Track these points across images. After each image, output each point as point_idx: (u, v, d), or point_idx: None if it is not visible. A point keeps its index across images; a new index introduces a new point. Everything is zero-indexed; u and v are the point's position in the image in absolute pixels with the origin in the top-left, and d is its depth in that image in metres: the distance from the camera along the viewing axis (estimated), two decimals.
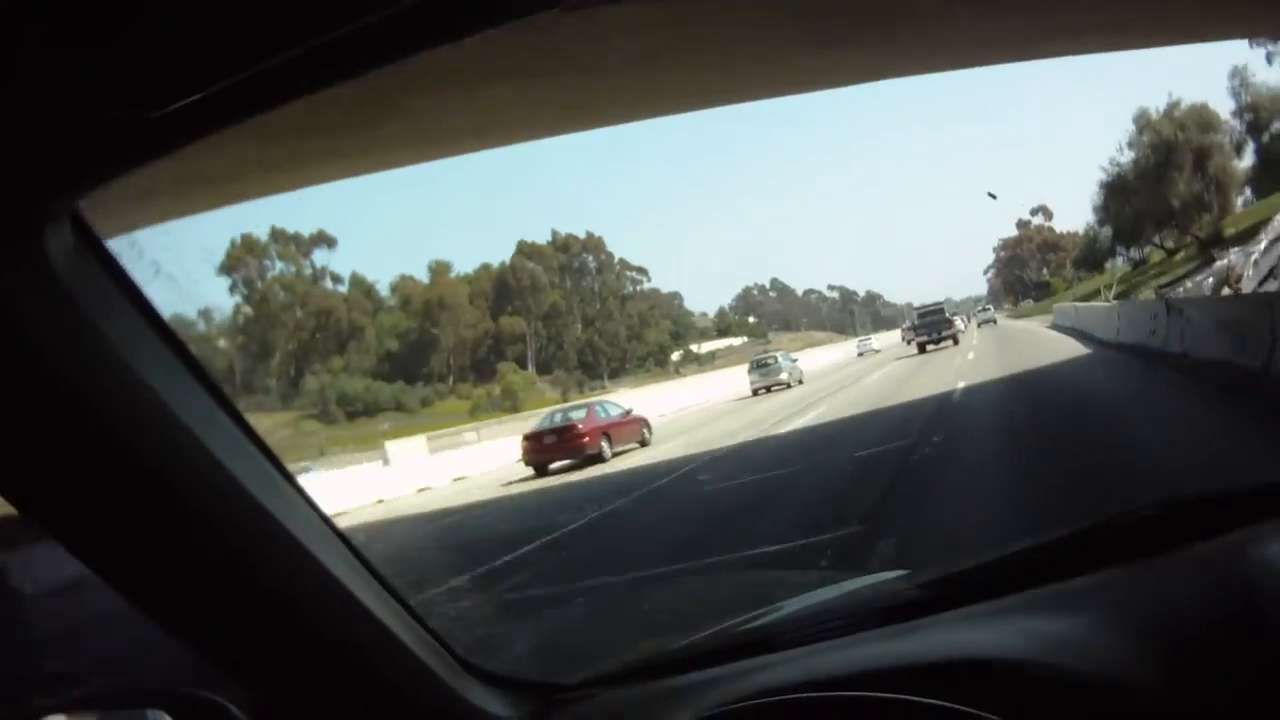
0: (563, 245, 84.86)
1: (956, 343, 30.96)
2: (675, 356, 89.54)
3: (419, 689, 0.91)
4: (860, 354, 46.95)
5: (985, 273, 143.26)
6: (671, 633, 1.36)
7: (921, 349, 31.73)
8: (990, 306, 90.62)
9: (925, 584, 1.03)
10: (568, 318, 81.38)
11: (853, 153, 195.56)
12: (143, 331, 0.69)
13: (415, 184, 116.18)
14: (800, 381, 27.85)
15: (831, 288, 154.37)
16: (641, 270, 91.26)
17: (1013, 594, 0.93)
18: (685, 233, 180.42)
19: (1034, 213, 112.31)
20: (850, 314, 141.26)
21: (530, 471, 15.61)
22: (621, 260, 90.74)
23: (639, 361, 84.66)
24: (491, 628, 4.69)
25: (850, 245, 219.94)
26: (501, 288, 79.65)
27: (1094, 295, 37.84)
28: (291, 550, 0.79)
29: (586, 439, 15.29)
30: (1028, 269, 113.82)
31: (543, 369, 78.36)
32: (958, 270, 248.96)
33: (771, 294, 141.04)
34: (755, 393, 27.51)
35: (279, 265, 68.08)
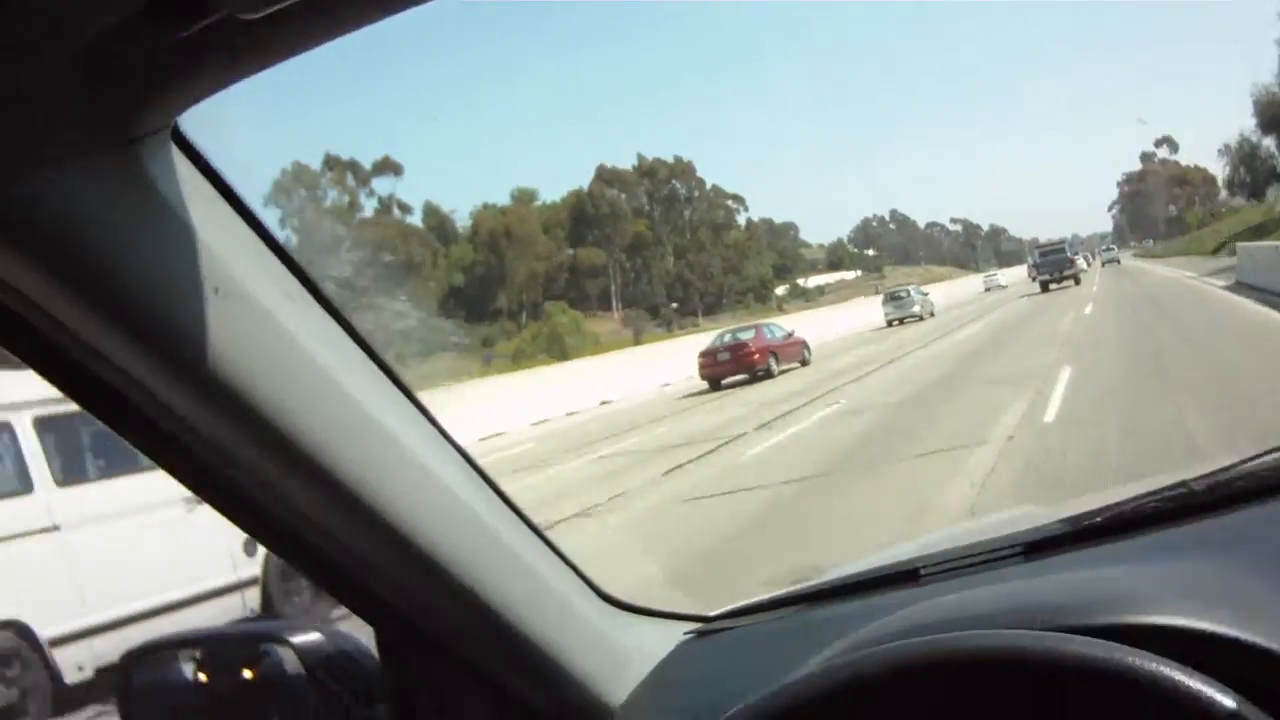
0: (648, 170, 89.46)
1: (1078, 282, 36.40)
2: (780, 291, 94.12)
3: (559, 624, 1.01)
4: (987, 289, 55.77)
5: (1109, 209, 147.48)
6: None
7: (1044, 287, 37.67)
8: (1114, 246, 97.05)
9: (1068, 519, 1.13)
10: (656, 249, 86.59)
11: (979, 79, 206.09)
12: (256, 248, 0.74)
13: (498, 106, 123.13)
14: (932, 314, 34.88)
15: (954, 220, 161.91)
16: (738, 199, 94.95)
17: (1154, 531, 1.02)
18: (804, 160, 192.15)
19: (1158, 144, 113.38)
20: (972, 248, 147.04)
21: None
22: (715, 187, 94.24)
23: (737, 297, 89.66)
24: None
25: (975, 177, 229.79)
26: (579, 216, 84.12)
27: (1257, 233, 33.50)
28: (422, 479, 0.86)
29: (756, 356, 20.06)
30: (1153, 205, 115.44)
31: (629, 303, 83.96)
32: (1084, 203, 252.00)
33: (891, 226, 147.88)
34: (889, 324, 34.45)
35: (332, 194, 70.85)
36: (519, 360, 54.87)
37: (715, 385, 20.96)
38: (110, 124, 0.61)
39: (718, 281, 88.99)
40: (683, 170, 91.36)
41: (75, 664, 5.06)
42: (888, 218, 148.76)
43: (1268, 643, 0.75)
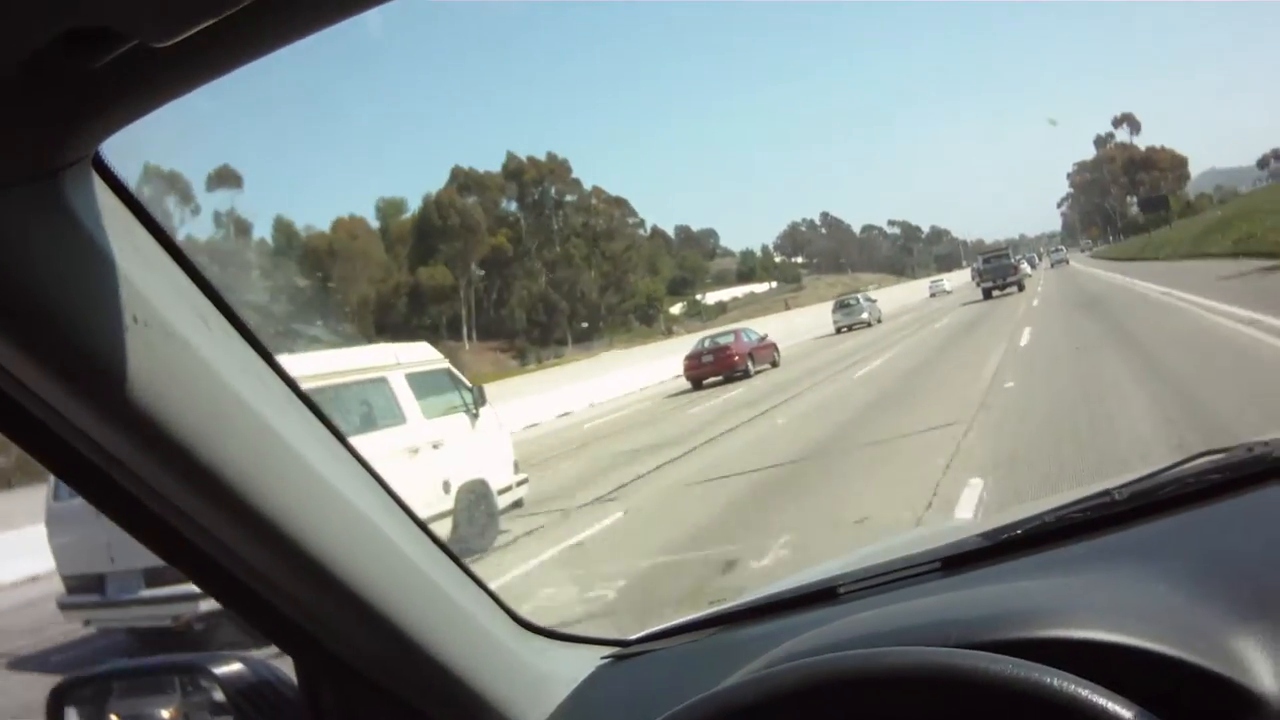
0: (515, 171, 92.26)
1: (1022, 289, 43.77)
2: (676, 309, 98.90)
3: (475, 651, 1.20)
4: (932, 294, 67.69)
5: (1059, 206, 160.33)
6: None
7: (987, 295, 44.74)
8: (1062, 246, 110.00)
9: (987, 533, 1.32)
10: (520, 265, 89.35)
11: (913, 70, 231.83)
12: (174, 274, 0.90)
13: (357, 107, 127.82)
14: (879, 320, 44.02)
15: (892, 223, 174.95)
16: (620, 203, 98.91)
17: (1075, 542, 1.22)
18: (724, 161, 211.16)
19: (1117, 124, 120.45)
20: (909, 252, 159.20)
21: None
22: (597, 190, 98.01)
23: (620, 318, 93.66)
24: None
25: (913, 176, 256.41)
26: (425, 229, 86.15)
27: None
28: (338, 507, 1.03)
29: (736, 358, 27.27)
30: (1109, 196, 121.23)
31: (486, 332, 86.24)
32: (1032, 201, 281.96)
33: (822, 230, 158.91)
34: (838, 331, 43.43)
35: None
36: None
37: (697, 385, 27.33)
38: (31, 155, 0.74)
39: (594, 301, 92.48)
40: (554, 170, 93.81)
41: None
42: (818, 221, 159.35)
43: (1181, 653, 0.89)
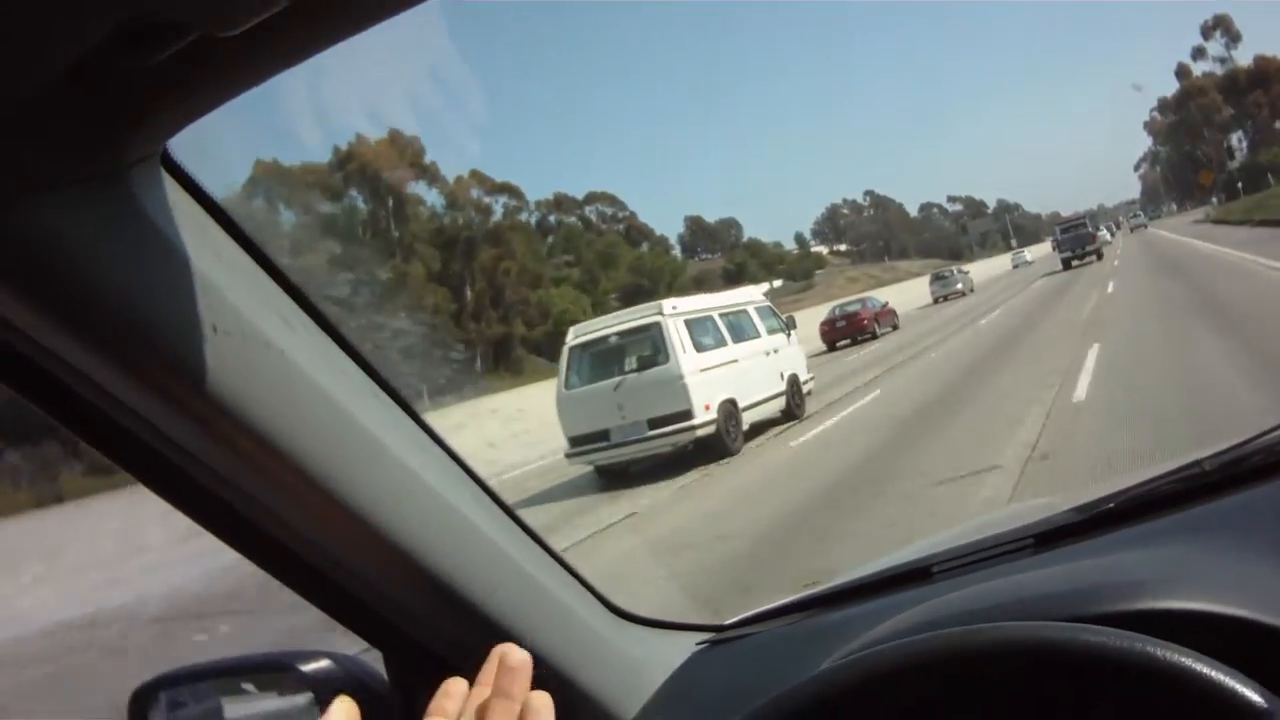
0: (342, 159, 72.00)
1: (1101, 257, 47.08)
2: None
3: (569, 640, 1.23)
4: (1015, 266, 74.57)
5: (1136, 169, 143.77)
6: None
7: (1066, 265, 48.53)
8: (1141, 212, 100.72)
9: (1079, 507, 1.34)
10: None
11: (965, 36, 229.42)
12: (251, 272, 0.91)
13: None
14: (973, 290, 51.62)
15: (953, 199, 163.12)
16: (506, 187, 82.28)
17: (1168, 514, 1.24)
18: (745, 135, 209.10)
19: (1206, 33, 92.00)
20: (963, 230, 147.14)
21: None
22: (476, 174, 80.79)
23: (513, 347, 70.19)
24: None
25: (976, 150, 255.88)
26: None
27: None
28: (429, 501, 1.05)
29: (865, 321, 33.75)
30: (1201, 141, 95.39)
31: None
32: (1110, 169, 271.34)
33: (868, 210, 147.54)
34: (936, 301, 50.29)
35: None
36: None
37: (831, 347, 33.04)
38: (98, 151, 0.75)
39: (456, 330, 68.07)
40: (399, 156, 74.62)
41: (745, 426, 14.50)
42: (862, 200, 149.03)
43: (1276, 621, 0.91)
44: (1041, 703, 0.92)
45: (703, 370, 13.57)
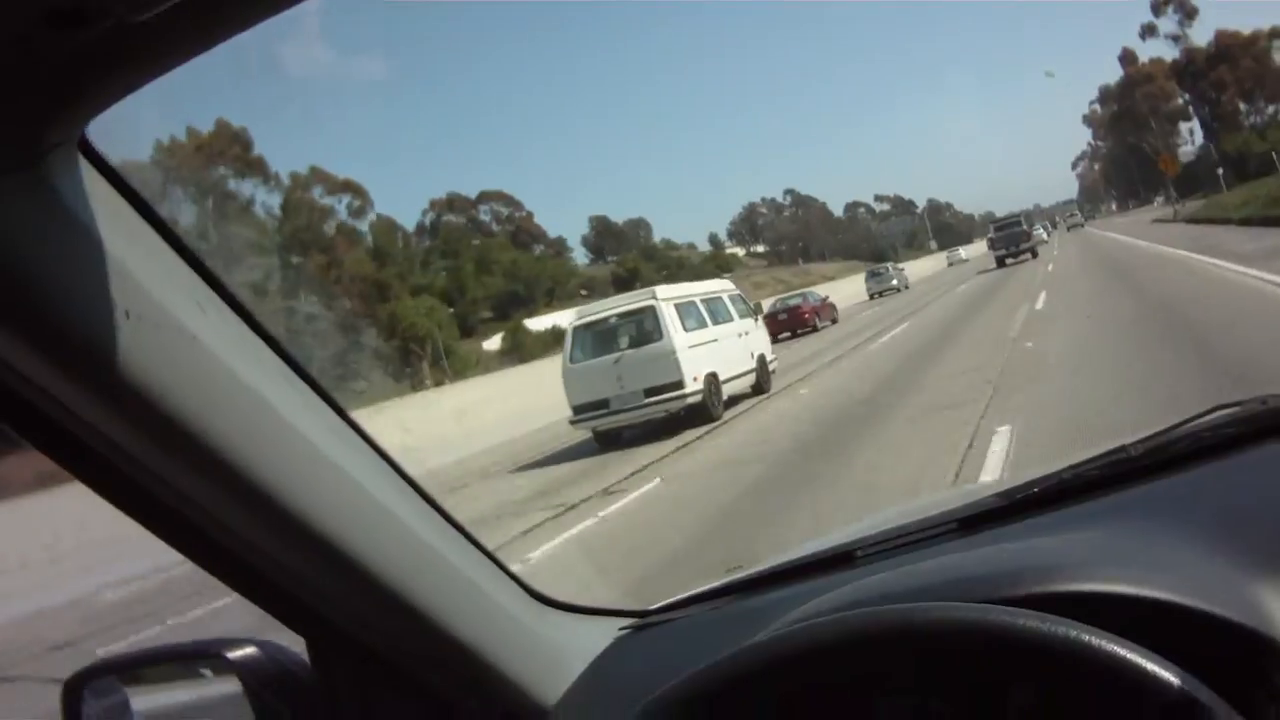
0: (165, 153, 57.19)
1: (1035, 255, 48.04)
2: (495, 342, 69.79)
3: (489, 626, 1.25)
4: (950, 264, 77.80)
5: (1074, 167, 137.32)
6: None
7: (1000, 262, 49.53)
8: (1078, 212, 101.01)
9: (1003, 492, 1.39)
10: None
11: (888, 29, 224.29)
12: (166, 257, 0.92)
13: None
14: (907, 287, 55.90)
15: (880, 198, 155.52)
16: (349, 186, 72.34)
17: (1092, 499, 1.27)
18: (655, 136, 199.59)
19: (1158, 9, 79.18)
20: (903, 233, 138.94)
21: None
22: (316, 170, 70.97)
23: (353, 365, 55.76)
24: None
25: (905, 150, 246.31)
26: None
27: None
28: (346, 486, 1.07)
29: (806, 315, 36.38)
30: (1147, 133, 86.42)
31: None
32: (1046, 169, 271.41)
33: (789, 210, 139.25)
34: (871, 297, 54.32)
35: None
36: None
37: (773, 339, 36.07)
38: (14, 138, 0.75)
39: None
40: (223, 150, 64.43)
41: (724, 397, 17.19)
42: (782, 199, 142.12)
43: (1200, 604, 0.92)
44: (958, 684, 0.95)
45: (691, 347, 16.12)
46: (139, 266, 0.86)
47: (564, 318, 61.40)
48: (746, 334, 18.43)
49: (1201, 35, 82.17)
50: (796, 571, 1.47)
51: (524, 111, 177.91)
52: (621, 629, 1.50)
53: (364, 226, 74.99)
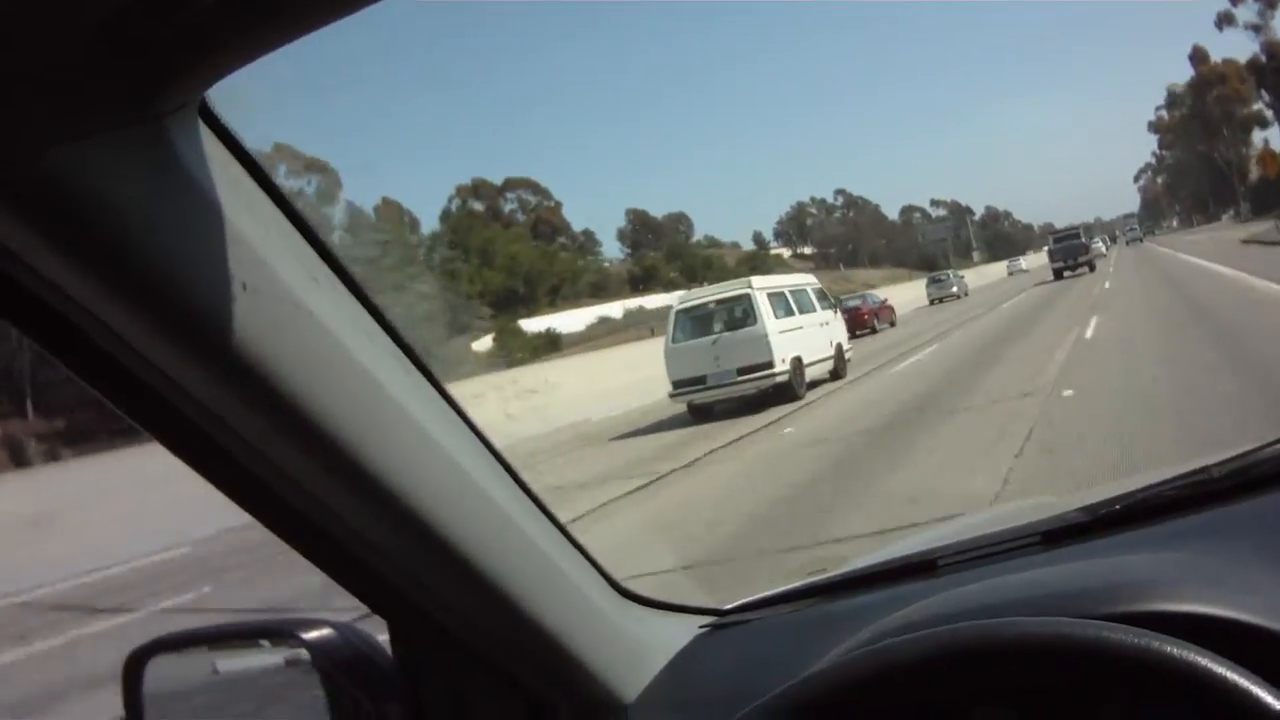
0: None
1: (1093, 269, 48.53)
2: (485, 343, 63.68)
3: (575, 618, 1.25)
4: (1010, 274, 79.97)
5: (1137, 179, 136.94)
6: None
7: (1058, 275, 49.83)
8: (1137, 226, 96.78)
9: (1087, 507, 1.37)
10: None
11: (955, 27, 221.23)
12: (281, 228, 0.91)
13: None
14: (967, 294, 57.93)
15: (936, 203, 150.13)
16: (316, 165, 67.24)
17: (1175, 519, 1.26)
18: (704, 126, 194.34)
19: (1233, 1, 70.64)
20: (943, 240, 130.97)
21: None
22: (282, 147, 51.93)
23: None
24: None
25: (964, 150, 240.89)
26: None
27: None
28: (443, 468, 1.07)
29: (866, 315, 37.77)
30: (1218, 141, 79.86)
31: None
32: (1110, 182, 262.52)
33: (840, 211, 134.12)
34: (932, 303, 56.12)
35: None
36: None
37: None
38: (136, 98, 0.74)
39: None
40: None
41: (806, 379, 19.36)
42: (832, 199, 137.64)
43: None
44: (1052, 700, 0.96)
45: (780, 332, 18.28)
46: (255, 236, 0.85)
47: (562, 320, 68.45)
48: (827, 324, 20.59)
49: None
50: (876, 578, 1.45)
51: (566, 100, 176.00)
52: (701, 627, 1.50)
53: (334, 210, 66.63)
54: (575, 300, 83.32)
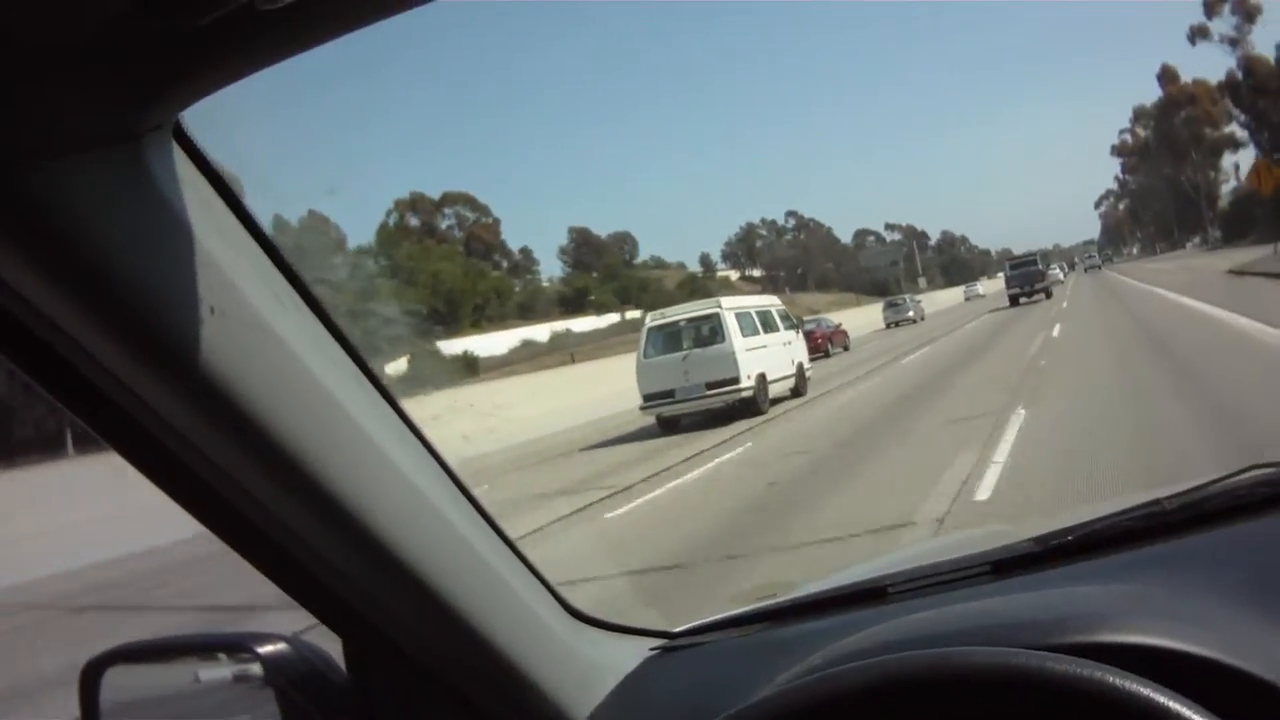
0: None
1: (1049, 295, 47.75)
2: (400, 366, 44.20)
3: (527, 638, 1.26)
4: (967, 299, 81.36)
5: (1097, 205, 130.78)
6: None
7: (1013, 301, 49.51)
8: (1095, 254, 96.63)
9: (1038, 538, 1.38)
10: None
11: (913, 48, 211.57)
12: (250, 250, 0.92)
13: None
14: (923, 318, 59.20)
15: (891, 227, 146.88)
16: None
17: (1125, 550, 1.28)
18: (648, 150, 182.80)
19: (1212, 9, 65.12)
20: (896, 264, 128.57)
21: None
22: None
23: None
24: None
25: (922, 176, 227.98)
26: None
27: None
28: (401, 487, 1.09)
29: (820, 339, 37.82)
30: (1185, 164, 75.49)
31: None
32: (1068, 209, 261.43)
33: (791, 234, 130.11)
34: (888, 326, 57.70)
35: None
36: None
37: None
38: (112, 118, 0.75)
39: None
40: None
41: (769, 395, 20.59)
42: (783, 221, 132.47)
43: (1233, 660, 0.94)
44: None
45: (747, 350, 19.48)
46: (224, 258, 0.86)
47: (483, 343, 62.30)
48: (789, 344, 21.85)
49: (1265, 41, 67.24)
50: (826, 604, 1.46)
51: (507, 113, 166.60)
52: (652, 649, 1.50)
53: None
54: (501, 322, 77.89)
